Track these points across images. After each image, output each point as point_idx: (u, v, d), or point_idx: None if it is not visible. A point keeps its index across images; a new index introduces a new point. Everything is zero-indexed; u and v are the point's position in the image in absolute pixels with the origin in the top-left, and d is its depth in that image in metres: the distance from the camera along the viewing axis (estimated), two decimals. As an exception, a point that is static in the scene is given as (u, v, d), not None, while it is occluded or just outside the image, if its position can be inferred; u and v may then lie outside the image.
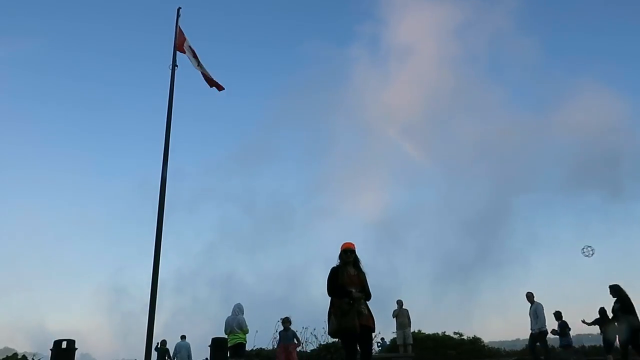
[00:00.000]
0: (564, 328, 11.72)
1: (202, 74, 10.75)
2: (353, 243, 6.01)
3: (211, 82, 10.80)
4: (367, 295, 5.78)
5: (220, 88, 11.05)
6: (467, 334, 17.58)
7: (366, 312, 5.64)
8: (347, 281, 5.64)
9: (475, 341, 17.34)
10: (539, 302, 11.57)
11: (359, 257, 5.93)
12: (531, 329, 11.51)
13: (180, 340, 18.30)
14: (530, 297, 11.71)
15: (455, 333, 17.61)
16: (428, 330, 17.20)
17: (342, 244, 5.99)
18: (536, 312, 11.36)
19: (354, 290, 5.53)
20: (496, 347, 19.48)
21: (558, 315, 11.94)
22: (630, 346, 9.61)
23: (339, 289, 5.59)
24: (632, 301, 9.60)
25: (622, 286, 9.84)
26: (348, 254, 5.82)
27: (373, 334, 6.59)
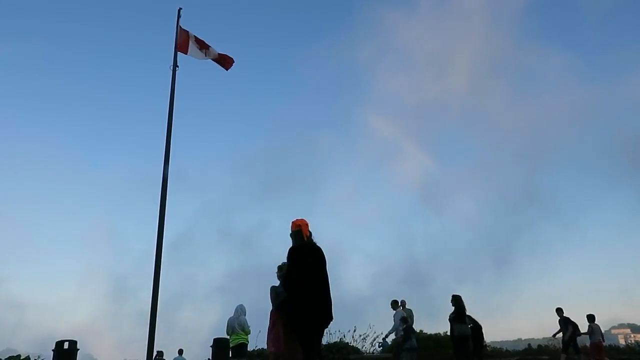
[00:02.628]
0: (407, 332, 12.19)
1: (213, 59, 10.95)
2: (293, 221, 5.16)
3: (221, 60, 10.99)
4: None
5: (229, 63, 11.21)
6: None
7: None
8: None
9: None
10: (400, 309, 12.49)
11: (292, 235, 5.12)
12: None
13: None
14: (394, 304, 12.62)
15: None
16: (429, 330, 17.21)
17: None
18: (394, 319, 12.33)
19: None
20: (498, 347, 19.52)
21: (404, 320, 12.43)
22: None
23: None
24: (466, 311, 11.21)
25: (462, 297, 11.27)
26: None
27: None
